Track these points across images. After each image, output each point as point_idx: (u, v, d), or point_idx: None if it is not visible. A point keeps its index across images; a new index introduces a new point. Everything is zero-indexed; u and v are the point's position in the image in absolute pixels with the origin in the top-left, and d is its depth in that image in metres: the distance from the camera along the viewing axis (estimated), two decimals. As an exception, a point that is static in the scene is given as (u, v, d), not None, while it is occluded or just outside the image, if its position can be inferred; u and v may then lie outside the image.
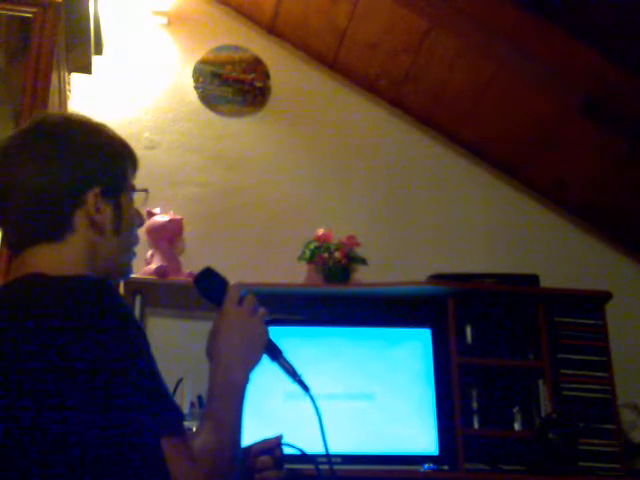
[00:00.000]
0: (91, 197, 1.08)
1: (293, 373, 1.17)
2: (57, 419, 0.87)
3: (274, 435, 1.24)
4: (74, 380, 0.88)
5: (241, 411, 1.08)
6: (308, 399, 1.16)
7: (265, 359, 1.16)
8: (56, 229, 1.07)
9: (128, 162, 1.16)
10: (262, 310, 1.17)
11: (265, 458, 1.20)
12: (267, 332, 1.16)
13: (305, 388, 1.17)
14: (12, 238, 1.10)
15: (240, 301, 1.15)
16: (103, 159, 1.11)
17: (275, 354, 1.17)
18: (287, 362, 1.18)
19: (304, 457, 1.28)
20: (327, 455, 1.16)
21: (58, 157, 1.08)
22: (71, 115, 1.17)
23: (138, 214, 1.19)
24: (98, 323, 0.92)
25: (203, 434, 1.02)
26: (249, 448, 1.19)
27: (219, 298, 1.16)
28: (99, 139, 1.13)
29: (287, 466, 1.25)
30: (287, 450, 1.25)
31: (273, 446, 1.22)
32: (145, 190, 1.20)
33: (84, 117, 1.16)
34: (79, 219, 1.07)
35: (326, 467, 1.25)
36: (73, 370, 0.89)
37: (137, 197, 1.20)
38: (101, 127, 1.15)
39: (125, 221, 1.13)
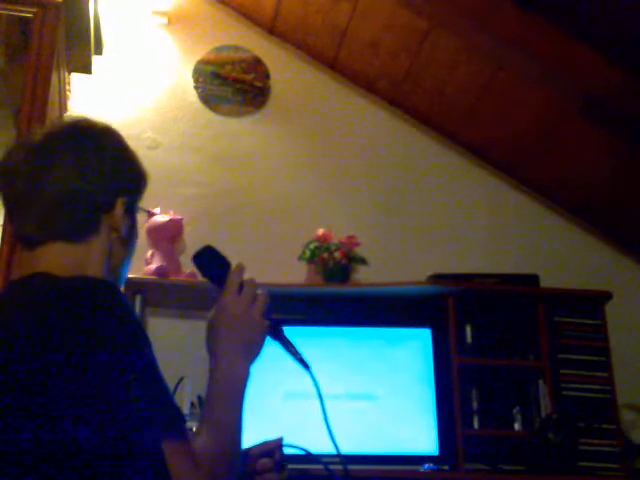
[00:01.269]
0: (119, 204, 1.11)
1: (294, 351, 1.16)
2: (58, 420, 0.87)
3: (274, 437, 1.23)
4: (74, 382, 0.88)
5: (242, 409, 1.07)
6: (308, 377, 1.14)
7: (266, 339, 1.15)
8: (83, 229, 1.08)
9: (145, 182, 1.19)
10: (262, 295, 1.15)
11: (265, 461, 1.19)
12: (267, 322, 1.14)
13: (305, 366, 1.16)
14: (30, 232, 1.09)
15: (240, 288, 1.13)
16: (133, 173, 1.16)
17: (276, 332, 1.16)
18: (288, 340, 1.16)
19: (307, 457, 1.27)
20: (330, 433, 1.14)
21: (99, 161, 1.10)
22: (108, 124, 1.19)
23: None
24: (100, 325, 0.92)
25: (204, 435, 1.02)
26: (249, 450, 1.19)
27: (218, 278, 1.14)
28: (132, 154, 1.17)
29: (289, 466, 1.24)
30: (288, 451, 1.24)
31: (273, 449, 1.21)
32: (147, 211, 1.23)
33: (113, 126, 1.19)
34: (104, 223, 1.10)
35: (330, 464, 1.25)
36: (74, 371, 0.88)
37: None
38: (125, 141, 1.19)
39: (135, 235, 1.17)
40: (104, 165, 1.10)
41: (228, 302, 1.12)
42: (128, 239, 1.14)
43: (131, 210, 1.14)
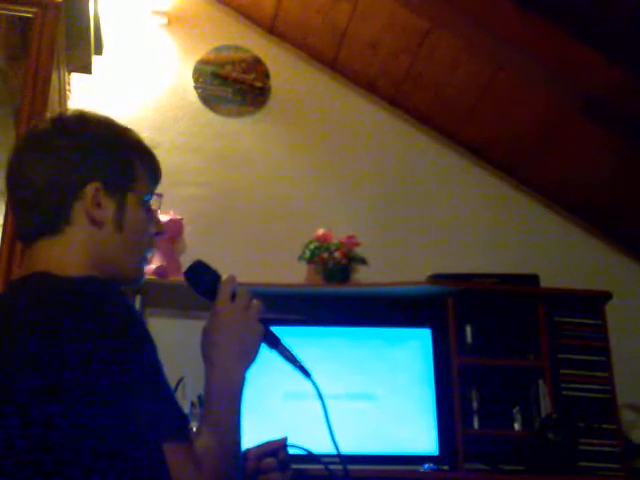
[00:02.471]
0: (90, 191, 1.07)
1: (293, 359, 1.16)
2: (59, 421, 0.87)
3: (279, 437, 1.23)
4: (76, 383, 0.88)
5: (240, 411, 1.07)
6: (310, 384, 1.13)
7: (264, 348, 1.14)
8: (54, 221, 1.06)
9: (140, 164, 1.14)
10: (256, 303, 1.14)
11: (270, 460, 1.19)
12: (262, 327, 1.13)
13: (306, 374, 1.15)
14: (22, 230, 1.11)
15: (233, 296, 1.13)
16: (107, 155, 1.10)
17: (273, 342, 1.15)
18: (286, 349, 1.16)
19: (307, 457, 1.27)
20: (333, 439, 1.14)
21: (62, 150, 1.08)
22: (87, 112, 1.15)
23: (156, 222, 1.17)
24: (102, 326, 0.91)
25: (204, 437, 1.01)
26: (250, 450, 1.19)
27: (211, 292, 1.14)
28: (108, 136, 1.12)
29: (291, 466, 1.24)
30: (291, 451, 1.24)
31: (278, 448, 1.21)
32: (158, 194, 1.19)
33: (102, 115, 1.15)
34: (77, 212, 1.07)
35: (330, 464, 1.25)
36: (76, 373, 0.88)
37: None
38: (117, 127, 1.14)
39: (130, 220, 1.10)
40: (66, 154, 1.07)
41: (221, 309, 1.12)
42: (115, 224, 1.08)
43: (117, 194, 1.09)
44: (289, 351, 1.16)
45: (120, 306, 0.96)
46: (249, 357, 1.11)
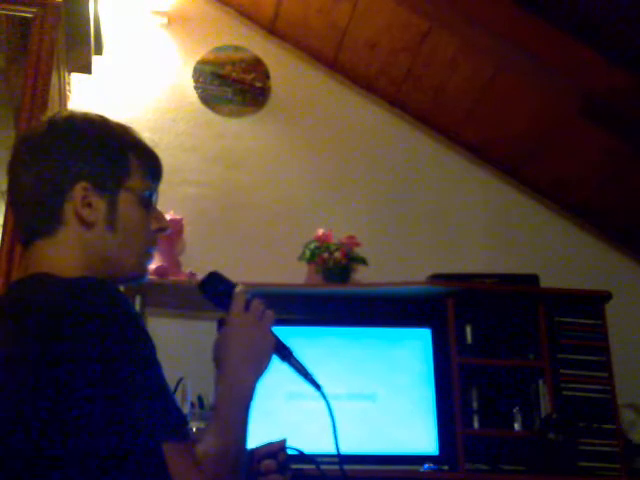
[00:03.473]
0: (79, 191, 1.06)
1: (304, 372, 1.16)
2: (57, 422, 0.87)
3: (278, 439, 1.23)
4: (75, 384, 0.88)
5: (247, 419, 1.07)
6: (320, 397, 1.14)
7: (275, 359, 1.14)
8: (46, 223, 1.06)
9: (137, 160, 1.14)
10: (269, 313, 1.15)
11: (269, 462, 1.19)
12: (275, 337, 1.15)
13: (317, 387, 1.15)
14: (19, 232, 1.11)
15: (247, 306, 1.14)
16: (96, 154, 1.09)
17: (285, 354, 1.16)
18: (298, 362, 1.16)
19: (302, 457, 1.27)
20: (338, 454, 1.15)
21: (50, 151, 1.08)
22: (78, 112, 1.15)
23: (158, 218, 1.17)
24: (99, 327, 0.91)
25: (209, 440, 1.02)
26: (253, 452, 1.19)
27: (225, 302, 1.14)
28: (98, 135, 1.11)
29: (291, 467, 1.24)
30: (291, 453, 1.24)
31: (277, 450, 1.21)
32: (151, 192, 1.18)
33: (95, 115, 1.14)
34: (68, 213, 1.06)
35: (329, 464, 1.25)
36: (74, 374, 0.88)
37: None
38: (110, 126, 1.14)
39: (124, 219, 1.09)
40: (54, 156, 1.07)
41: (235, 318, 1.13)
42: (107, 224, 1.07)
43: (106, 193, 1.08)
44: (300, 363, 1.16)
45: (117, 306, 0.95)
46: (260, 367, 1.12)
